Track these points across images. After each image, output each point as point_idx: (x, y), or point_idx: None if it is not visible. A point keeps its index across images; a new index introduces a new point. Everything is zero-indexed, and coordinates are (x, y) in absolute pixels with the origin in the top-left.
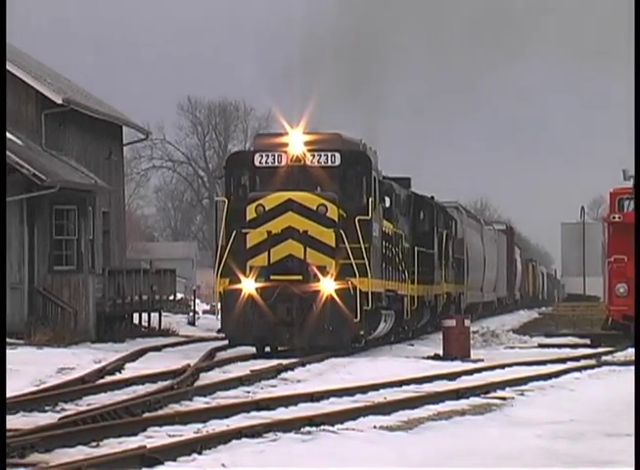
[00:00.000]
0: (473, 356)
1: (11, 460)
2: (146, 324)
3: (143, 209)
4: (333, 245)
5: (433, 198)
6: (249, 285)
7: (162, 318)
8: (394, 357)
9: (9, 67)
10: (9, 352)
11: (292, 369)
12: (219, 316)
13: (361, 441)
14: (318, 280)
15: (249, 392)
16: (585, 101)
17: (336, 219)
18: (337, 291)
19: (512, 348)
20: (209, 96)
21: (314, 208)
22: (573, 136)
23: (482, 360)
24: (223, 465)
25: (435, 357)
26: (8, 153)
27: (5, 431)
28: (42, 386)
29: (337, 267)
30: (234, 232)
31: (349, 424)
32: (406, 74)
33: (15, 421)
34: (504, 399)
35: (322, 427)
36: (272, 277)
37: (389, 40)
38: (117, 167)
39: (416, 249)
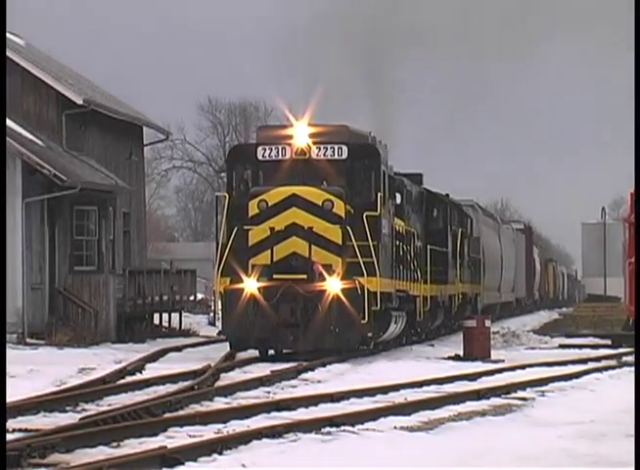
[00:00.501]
0: (493, 357)
1: (32, 460)
2: (166, 324)
3: (163, 209)
4: (339, 242)
5: (447, 195)
6: (250, 284)
7: (183, 319)
8: (415, 358)
9: (30, 68)
10: (30, 352)
11: (312, 370)
12: (220, 318)
13: (382, 441)
14: (324, 279)
15: (269, 392)
16: (608, 101)
17: (342, 215)
18: (343, 291)
19: (532, 348)
20: (230, 96)
21: (320, 203)
22: (595, 136)
23: (503, 361)
24: (243, 465)
25: (456, 358)
26: (29, 154)
27: (5, 431)
28: (63, 386)
29: (343, 266)
30: (235, 229)
31: (370, 424)
32: (422, 71)
33: (36, 421)
34: (525, 399)
35: (342, 427)
36: (275, 276)
37: (404, 28)
38: (138, 168)
39: (428, 247)
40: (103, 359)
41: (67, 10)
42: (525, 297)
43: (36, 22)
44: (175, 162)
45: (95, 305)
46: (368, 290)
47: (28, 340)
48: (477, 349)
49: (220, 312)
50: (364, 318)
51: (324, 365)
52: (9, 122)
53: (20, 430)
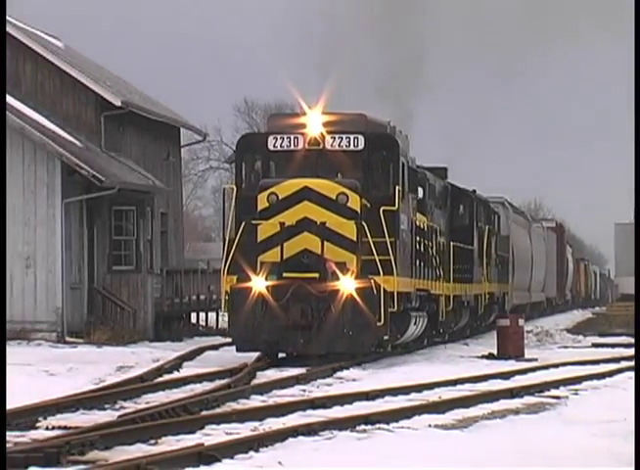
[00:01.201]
0: (527, 356)
1: (71, 458)
2: (203, 323)
3: (201, 209)
4: (354, 238)
5: (474, 191)
6: (259, 283)
7: (220, 318)
8: (449, 357)
9: (69, 70)
10: (69, 350)
11: (347, 368)
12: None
13: (416, 439)
14: (337, 278)
15: (304, 390)
16: None
17: (358, 210)
18: (358, 291)
19: (565, 347)
20: (266, 97)
21: (333, 197)
22: (630, 136)
23: (536, 360)
24: (280, 463)
25: (490, 357)
26: (68, 154)
27: (5, 430)
28: (101, 384)
29: (358, 264)
30: (243, 224)
31: (404, 422)
32: (448, 66)
33: (75, 419)
34: (558, 397)
35: (377, 425)
36: (285, 275)
37: (427, 16)
38: (175, 169)
39: (452, 244)
40: (141, 358)
41: (106, 14)
42: (557, 296)
43: (75, 24)
44: (212, 162)
45: (133, 304)
46: (384, 290)
47: (68, 338)
48: (510, 347)
49: (227, 313)
50: (380, 320)
51: (359, 364)
52: (49, 124)
53: (59, 427)
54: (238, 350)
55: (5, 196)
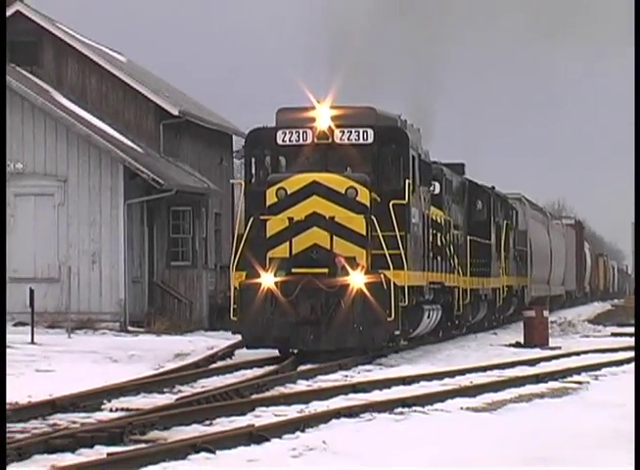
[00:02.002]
0: (551, 344)
1: (133, 437)
2: None
3: None
4: (363, 233)
5: (493, 188)
6: (267, 279)
7: None
8: (479, 345)
9: (131, 82)
10: (131, 339)
11: (385, 356)
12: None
13: (449, 421)
14: (347, 273)
15: (347, 376)
16: None
17: (367, 204)
18: (367, 285)
19: (587, 336)
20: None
21: (342, 191)
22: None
23: (560, 348)
24: (324, 442)
25: (517, 345)
26: (130, 159)
27: (5, 429)
28: (160, 370)
29: (368, 259)
30: (252, 219)
31: (438, 405)
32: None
33: (136, 402)
34: (580, 383)
35: (413, 408)
36: (294, 270)
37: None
38: (228, 173)
39: (468, 238)
40: (196, 346)
41: (159, 27)
42: (576, 289)
43: (133, 39)
44: None
45: (189, 296)
46: (395, 284)
47: (130, 328)
48: (536, 336)
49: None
50: (390, 315)
51: (397, 352)
52: (113, 132)
53: (122, 409)
54: (247, 347)
55: (5, 196)
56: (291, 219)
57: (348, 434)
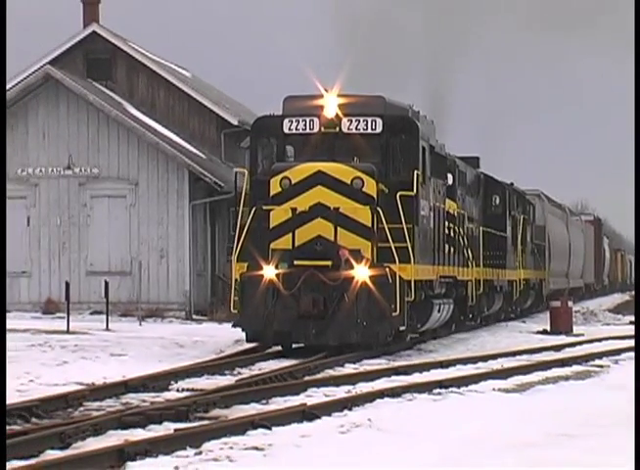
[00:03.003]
0: (575, 331)
1: (197, 414)
2: None
3: None
4: (369, 225)
5: (512, 184)
6: (269, 271)
7: None
8: (510, 332)
9: (195, 95)
10: (195, 326)
11: (424, 342)
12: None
13: (482, 400)
14: (351, 266)
15: (389, 360)
16: None
17: (373, 195)
18: (372, 279)
19: (608, 324)
20: None
21: (348, 181)
22: None
23: (583, 335)
24: (369, 420)
25: (544, 332)
26: (194, 165)
27: (5, 428)
28: (222, 354)
29: (373, 251)
30: (254, 209)
31: (473, 387)
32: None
33: (200, 383)
34: (601, 366)
35: (450, 389)
36: (297, 262)
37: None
38: None
39: (482, 229)
40: None
41: (228, 47)
42: (595, 282)
43: (195, 56)
44: None
45: None
46: (401, 278)
47: (194, 316)
48: (561, 324)
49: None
50: (395, 310)
51: (434, 338)
52: (179, 140)
53: (187, 389)
54: (248, 340)
55: (5, 196)
56: (294, 210)
57: (391, 412)
